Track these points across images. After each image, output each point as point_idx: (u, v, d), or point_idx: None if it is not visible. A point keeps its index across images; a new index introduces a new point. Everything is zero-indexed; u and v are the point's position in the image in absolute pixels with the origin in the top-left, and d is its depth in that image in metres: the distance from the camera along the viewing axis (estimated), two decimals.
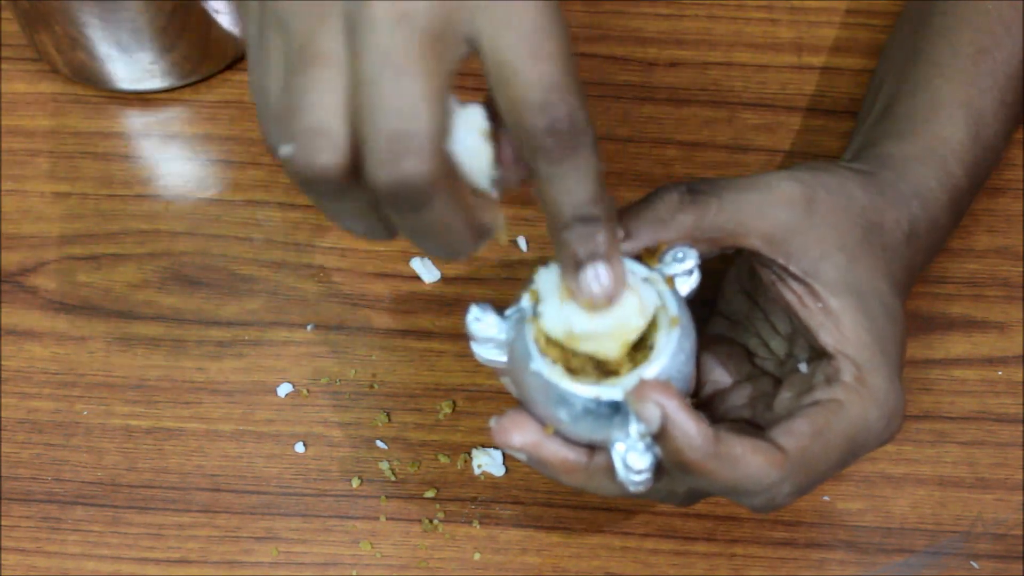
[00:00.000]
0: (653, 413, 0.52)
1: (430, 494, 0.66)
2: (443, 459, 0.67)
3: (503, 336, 0.55)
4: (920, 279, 0.69)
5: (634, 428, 0.53)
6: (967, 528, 0.65)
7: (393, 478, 0.66)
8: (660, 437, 0.53)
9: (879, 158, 0.62)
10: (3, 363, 0.69)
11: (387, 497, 0.66)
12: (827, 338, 0.57)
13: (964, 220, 0.70)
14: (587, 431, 0.54)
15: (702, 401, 0.61)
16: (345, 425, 0.68)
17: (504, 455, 0.66)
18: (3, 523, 0.66)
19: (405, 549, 0.65)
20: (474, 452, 0.66)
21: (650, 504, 0.65)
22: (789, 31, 0.76)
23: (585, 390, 0.53)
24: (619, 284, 0.52)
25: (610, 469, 0.54)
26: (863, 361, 0.56)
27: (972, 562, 0.64)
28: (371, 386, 0.68)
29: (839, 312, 0.57)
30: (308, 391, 0.68)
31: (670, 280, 0.56)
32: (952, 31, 0.65)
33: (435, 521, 0.65)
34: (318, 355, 0.69)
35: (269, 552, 0.65)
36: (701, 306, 0.64)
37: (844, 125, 0.74)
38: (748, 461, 0.53)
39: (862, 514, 0.65)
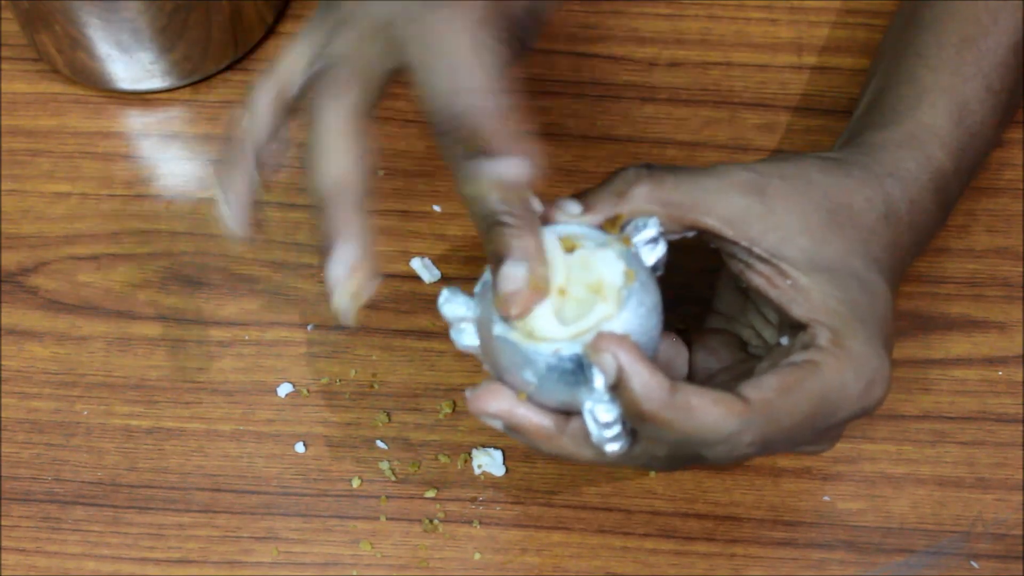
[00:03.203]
0: (610, 363, 0.53)
1: (430, 494, 0.66)
2: (443, 459, 0.67)
3: (471, 314, 0.57)
4: (920, 279, 0.69)
5: (599, 380, 0.54)
6: (967, 528, 0.65)
7: (393, 478, 0.66)
8: (617, 388, 0.54)
9: (857, 146, 0.63)
10: (3, 363, 0.69)
11: (387, 497, 0.66)
12: (799, 310, 0.57)
13: (964, 220, 0.71)
14: (555, 392, 0.55)
15: None
16: (345, 425, 0.68)
17: (504, 455, 0.66)
18: (3, 523, 0.66)
19: (405, 549, 0.65)
20: (474, 452, 0.66)
21: (650, 504, 0.65)
22: (789, 31, 0.76)
23: (546, 347, 0.54)
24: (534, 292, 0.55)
25: (585, 434, 0.56)
26: (838, 326, 0.57)
27: (972, 562, 0.64)
28: (371, 386, 0.68)
29: (809, 287, 0.57)
30: (308, 391, 0.68)
31: (627, 239, 0.57)
32: (938, 23, 0.66)
33: (435, 521, 0.65)
34: (318, 355, 0.69)
35: (269, 552, 0.65)
36: (699, 304, 0.65)
37: (844, 125, 0.73)
38: (706, 410, 0.54)
39: (862, 514, 0.65)
